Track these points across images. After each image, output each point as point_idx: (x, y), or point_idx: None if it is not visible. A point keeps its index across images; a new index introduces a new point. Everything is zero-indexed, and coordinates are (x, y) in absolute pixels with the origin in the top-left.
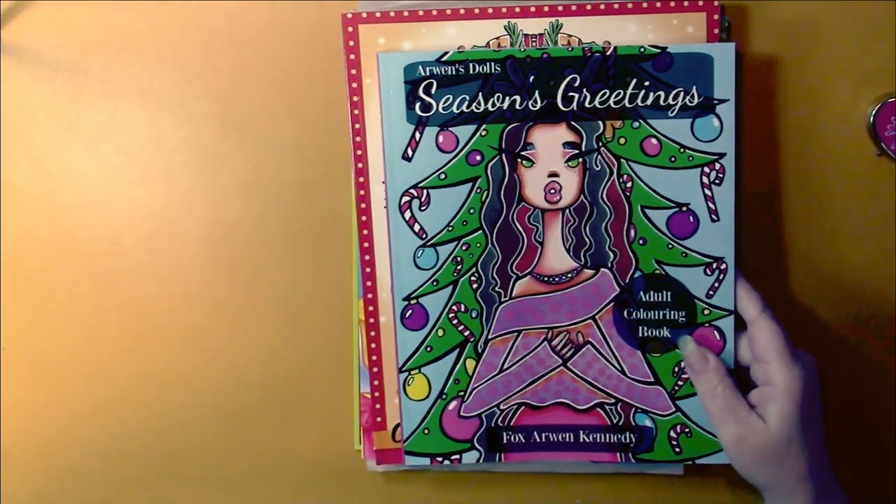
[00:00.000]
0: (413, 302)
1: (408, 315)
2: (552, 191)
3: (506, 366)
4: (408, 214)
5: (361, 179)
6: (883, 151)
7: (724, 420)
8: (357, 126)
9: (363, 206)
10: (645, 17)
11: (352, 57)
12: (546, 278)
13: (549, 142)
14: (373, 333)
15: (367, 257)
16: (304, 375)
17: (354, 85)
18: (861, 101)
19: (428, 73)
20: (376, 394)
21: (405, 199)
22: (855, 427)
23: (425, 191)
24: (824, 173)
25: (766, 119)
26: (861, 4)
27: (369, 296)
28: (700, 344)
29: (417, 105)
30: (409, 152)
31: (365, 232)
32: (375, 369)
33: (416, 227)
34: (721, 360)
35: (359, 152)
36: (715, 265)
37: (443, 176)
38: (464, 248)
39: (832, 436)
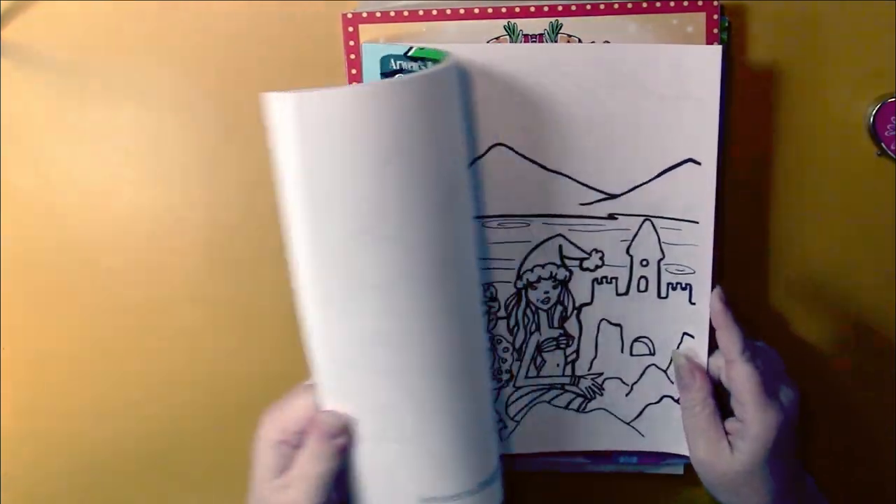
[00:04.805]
0: None
1: None
2: None
3: None
4: None
5: None
6: (883, 151)
7: (696, 439)
8: None
9: None
10: (645, 17)
11: (352, 57)
12: None
13: None
14: None
15: None
16: (303, 375)
17: None
18: (861, 101)
19: (398, 67)
20: None
21: None
22: (853, 432)
23: None
24: (824, 173)
25: (765, 119)
26: (861, 4)
27: None
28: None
29: None
30: None
31: None
32: None
33: None
34: (708, 380)
35: None
36: None
37: None
38: None
39: (826, 445)
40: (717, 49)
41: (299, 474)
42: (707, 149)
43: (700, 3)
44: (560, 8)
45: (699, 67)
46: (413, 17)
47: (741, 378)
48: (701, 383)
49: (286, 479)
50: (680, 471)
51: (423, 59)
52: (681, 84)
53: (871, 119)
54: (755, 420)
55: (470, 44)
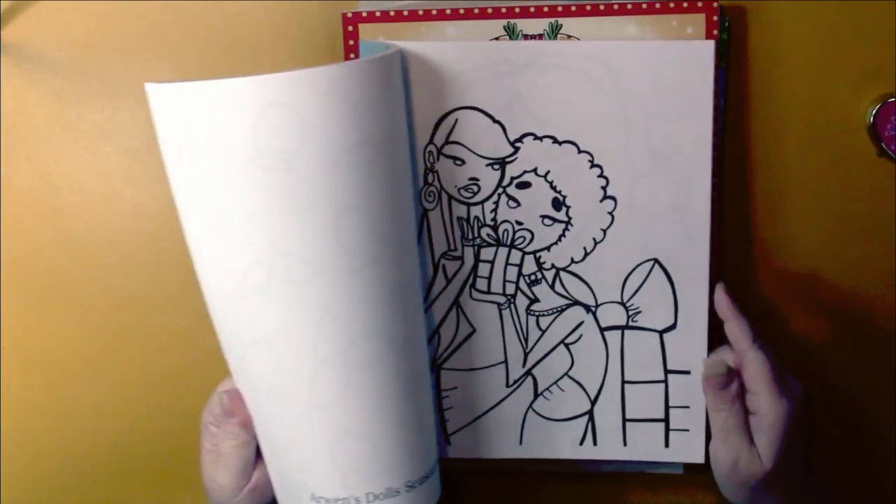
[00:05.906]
0: None
1: None
2: None
3: None
4: None
5: None
6: (883, 151)
7: (728, 439)
8: None
9: None
10: (644, 18)
11: (352, 56)
12: None
13: None
14: None
15: None
16: None
17: None
18: (861, 101)
19: None
20: None
21: None
22: (852, 431)
23: None
24: (824, 173)
25: (765, 119)
26: (861, 4)
27: None
28: None
29: None
30: None
31: None
32: None
33: None
34: (738, 379)
35: None
36: None
37: None
38: None
39: (825, 444)
40: (709, 44)
41: (215, 451)
42: (702, 143)
43: (700, 3)
44: (560, 8)
45: (692, 62)
46: (413, 16)
47: (755, 366)
48: (736, 381)
49: (212, 455)
50: (680, 471)
51: None
52: (674, 79)
53: (871, 119)
54: (770, 409)
55: (470, 42)
